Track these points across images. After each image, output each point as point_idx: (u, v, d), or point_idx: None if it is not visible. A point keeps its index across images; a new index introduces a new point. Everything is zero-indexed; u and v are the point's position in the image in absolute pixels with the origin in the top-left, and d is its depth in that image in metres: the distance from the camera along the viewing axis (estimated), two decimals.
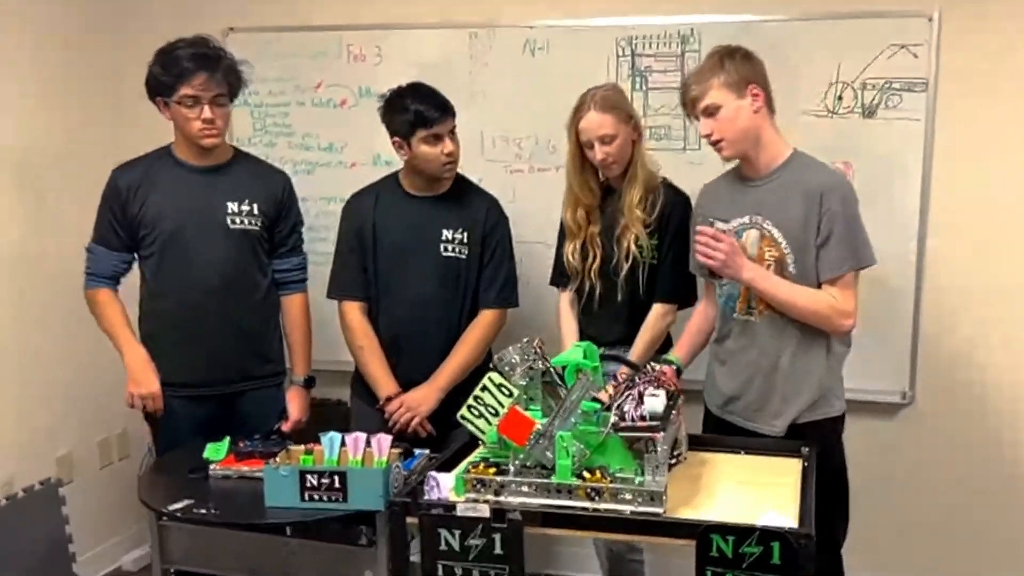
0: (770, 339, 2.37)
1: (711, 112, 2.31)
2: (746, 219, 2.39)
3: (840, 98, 2.95)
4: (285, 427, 2.77)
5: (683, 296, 2.72)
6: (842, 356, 2.42)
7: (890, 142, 2.94)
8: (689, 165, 3.03)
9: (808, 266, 2.31)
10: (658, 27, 3.06)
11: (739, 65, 2.31)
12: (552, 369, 2.08)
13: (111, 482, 3.53)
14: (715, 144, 2.35)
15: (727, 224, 2.40)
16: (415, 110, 2.62)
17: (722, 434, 2.42)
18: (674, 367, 2.48)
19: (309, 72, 3.39)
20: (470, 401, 2.00)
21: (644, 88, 3.09)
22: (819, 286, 2.32)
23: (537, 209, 3.13)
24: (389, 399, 2.75)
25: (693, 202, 2.63)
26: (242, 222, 2.69)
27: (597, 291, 2.72)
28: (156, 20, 3.34)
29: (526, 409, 2.02)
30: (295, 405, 2.83)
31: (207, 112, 2.57)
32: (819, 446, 2.20)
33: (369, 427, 2.71)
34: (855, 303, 2.32)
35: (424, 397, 2.74)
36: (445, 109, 2.65)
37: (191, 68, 2.54)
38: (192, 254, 2.66)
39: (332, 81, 3.38)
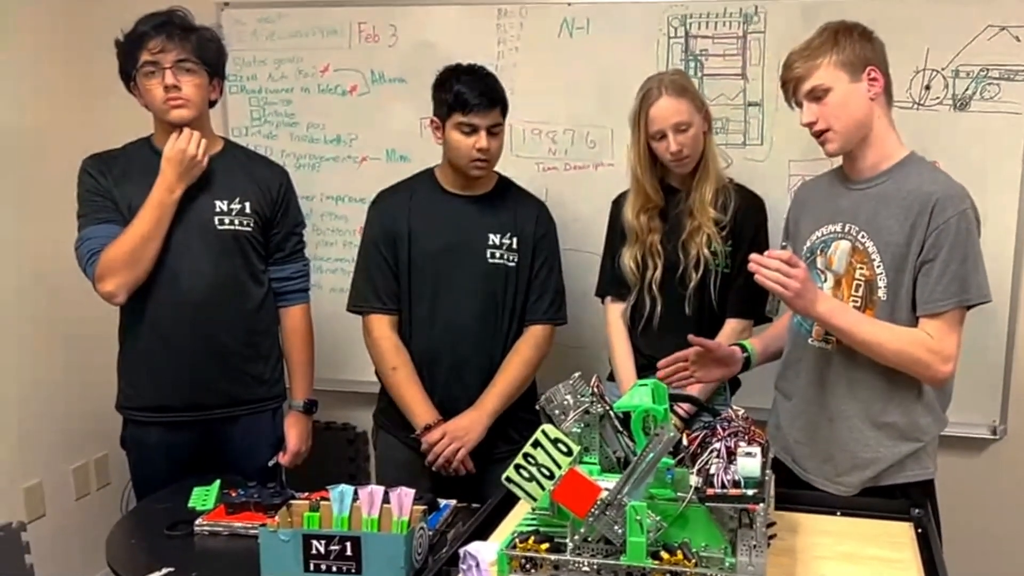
0: (848, 375, 2.03)
1: (818, 96, 1.98)
2: (838, 227, 2.06)
3: (928, 87, 2.65)
4: (282, 459, 2.53)
5: (762, 311, 2.42)
6: (935, 403, 2.05)
7: (985, 139, 2.65)
8: (749, 163, 2.77)
9: (903, 292, 1.97)
10: (716, 4, 2.74)
11: (857, 43, 1.99)
12: (612, 413, 1.72)
13: (89, 515, 3.17)
14: (819, 136, 2.02)
15: (816, 233, 2.08)
16: (457, 91, 2.36)
17: (787, 485, 2.01)
18: (745, 355, 2.19)
19: (315, 54, 3.07)
20: (519, 460, 1.62)
21: (699, 74, 2.76)
22: (915, 321, 1.96)
23: (573, 212, 2.89)
24: (428, 428, 2.43)
25: (767, 203, 2.46)
26: (231, 223, 2.42)
27: (658, 306, 2.44)
28: None
29: (580, 461, 1.66)
30: (294, 434, 2.56)
31: (169, 77, 2.29)
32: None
33: (400, 465, 2.50)
34: (957, 347, 1.95)
35: (471, 425, 2.43)
36: (492, 101, 2.37)
37: (149, 33, 2.31)
38: (172, 259, 2.35)
39: (340, 65, 3.05)
